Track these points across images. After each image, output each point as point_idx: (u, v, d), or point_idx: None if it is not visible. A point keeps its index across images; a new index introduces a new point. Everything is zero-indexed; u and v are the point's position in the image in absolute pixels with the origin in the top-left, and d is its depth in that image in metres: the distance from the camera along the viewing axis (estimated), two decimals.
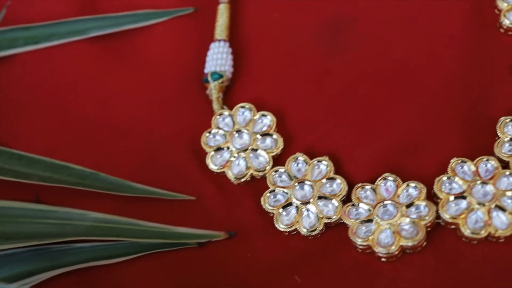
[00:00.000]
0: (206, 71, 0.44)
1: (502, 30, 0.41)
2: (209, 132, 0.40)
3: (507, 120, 0.36)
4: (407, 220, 0.34)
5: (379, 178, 0.37)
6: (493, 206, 0.34)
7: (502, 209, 0.34)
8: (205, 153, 0.40)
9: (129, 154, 0.43)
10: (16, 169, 0.41)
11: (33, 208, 0.39)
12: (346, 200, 0.37)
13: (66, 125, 0.44)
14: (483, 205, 0.33)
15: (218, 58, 0.44)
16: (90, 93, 0.45)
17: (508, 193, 0.34)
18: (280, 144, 0.39)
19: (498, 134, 0.36)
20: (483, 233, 0.34)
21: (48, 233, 0.38)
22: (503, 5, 0.41)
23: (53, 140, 0.43)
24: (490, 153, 0.37)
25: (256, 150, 0.39)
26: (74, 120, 0.44)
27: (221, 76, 0.43)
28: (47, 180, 0.40)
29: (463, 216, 0.34)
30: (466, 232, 0.33)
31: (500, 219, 0.33)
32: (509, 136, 0.36)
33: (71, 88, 0.45)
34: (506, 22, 0.40)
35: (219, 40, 0.45)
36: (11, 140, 0.43)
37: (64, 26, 0.47)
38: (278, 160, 0.40)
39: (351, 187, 0.38)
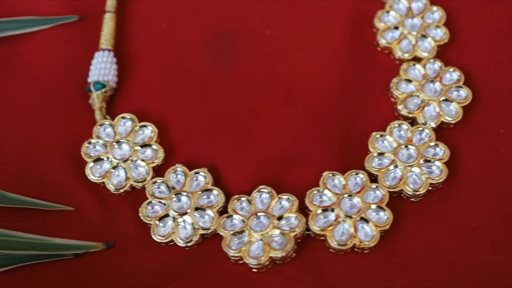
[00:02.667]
0: (89, 80, 0.44)
1: (379, 49, 0.43)
2: (89, 142, 0.40)
3: (378, 136, 0.38)
4: (278, 231, 0.35)
5: (255, 190, 0.38)
6: (359, 218, 0.35)
7: (367, 221, 0.35)
8: (85, 163, 0.40)
9: (6, 163, 0.42)
10: None
11: None
12: (224, 211, 0.37)
13: None
14: (350, 217, 0.35)
15: (102, 67, 0.44)
16: None
17: (373, 206, 0.35)
18: (161, 155, 0.40)
19: (370, 149, 0.38)
20: (349, 245, 0.35)
21: None
22: (380, 25, 0.43)
23: None
24: (362, 167, 0.38)
25: (136, 160, 0.39)
26: None
27: (104, 86, 0.43)
28: None
29: (330, 228, 0.35)
30: (333, 243, 0.35)
31: (365, 231, 0.36)
32: (379, 151, 0.38)
33: None
34: (382, 41, 0.43)
35: (104, 50, 0.45)
36: None
37: None
38: (159, 171, 0.40)
39: (229, 198, 0.38)
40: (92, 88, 0.44)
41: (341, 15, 0.46)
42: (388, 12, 0.45)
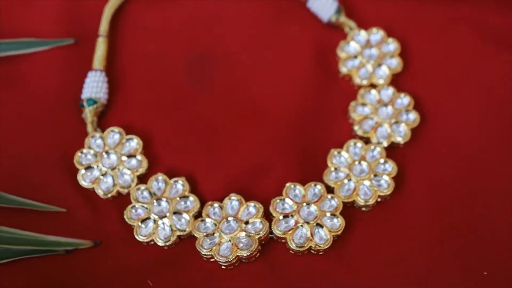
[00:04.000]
0: (82, 97, 0.46)
1: (340, 75, 0.47)
2: (81, 152, 0.43)
3: (335, 152, 0.43)
4: (244, 234, 0.39)
5: (226, 198, 0.41)
6: (315, 224, 0.40)
7: (322, 226, 0.39)
8: (77, 170, 0.43)
9: (5, 168, 0.44)
10: None
11: None
12: (199, 215, 0.41)
13: None
14: (308, 223, 0.39)
15: (94, 86, 0.46)
16: None
17: (328, 214, 0.40)
18: (145, 165, 0.43)
19: (328, 164, 0.42)
20: (306, 247, 0.39)
21: None
22: (342, 54, 0.47)
23: None
24: (320, 179, 0.42)
25: (122, 169, 0.42)
26: None
27: (95, 102, 0.45)
28: None
29: (290, 232, 0.39)
30: (292, 245, 0.39)
31: (320, 235, 0.40)
32: (336, 166, 0.42)
33: None
34: (343, 69, 0.47)
35: (96, 70, 0.47)
36: None
37: None
38: (143, 179, 0.43)
39: (204, 204, 0.42)
40: (85, 104, 0.46)
41: (308, 44, 0.49)
42: (349, 43, 0.48)
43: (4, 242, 0.40)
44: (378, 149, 0.43)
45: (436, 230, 0.41)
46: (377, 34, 0.48)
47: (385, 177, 0.41)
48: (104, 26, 0.49)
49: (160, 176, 0.42)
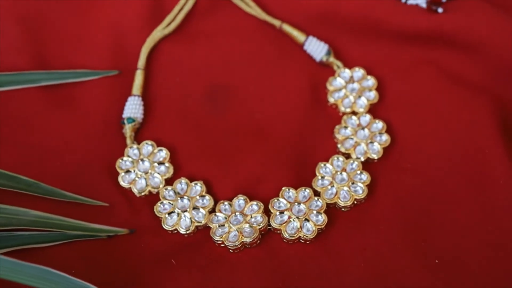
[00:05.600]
0: (123, 116, 0.51)
1: (329, 104, 0.53)
2: (122, 159, 0.49)
3: (322, 165, 0.49)
4: (248, 225, 0.46)
5: (234, 198, 0.47)
6: (304, 219, 0.46)
7: (309, 221, 0.46)
8: (118, 174, 0.49)
9: (63, 171, 0.49)
10: None
11: None
12: (213, 211, 0.47)
13: (19, 147, 0.50)
14: (298, 218, 0.46)
15: (133, 108, 0.51)
16: (39, 127, 0.51)
17: (314, 212, 0.46)
18: (171, 171, 0.49)
19: (316, 173, 0.49)
20: (296, 236, 0.45)
21: None
22: (330, 88, 0.53)
23: (11, 160, 0.49)
24: (310, 185, 0.48)
25: (153, 173, 0.49)
26: (23, 143, 0.50)
27: (133, 121, 0.51)
28: (2, 186, 0.45)
29: (284, 224, 0.46)
30: (286, 235, 0.46)
31: (307, 227, 0.46)
32: (322, 175, 0.48)
33: (25, 123, 0.52)
34: (331, 99, 0.53)
35: (134, 95, 0.52)
36: None
37: (22, 76, 0.52)
38: (169, 182, 0.49)
39: (217, 202, 0.48)
40: (125, 122, 0.51)
41: (304, 79, 0.54)
42: (336, 78, 0.53)
43: (60, 228, 0.45)
44: (356, 163, 0.49)
45: (398, 226, 0.46)
46: (358, 72, 0.54)
47: (361, 185, 0.47)
48: (141, 61, 0.54)
49: (183, 180, 0.48)
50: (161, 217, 0.47)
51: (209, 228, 0.47)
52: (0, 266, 0.38)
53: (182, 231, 0.47)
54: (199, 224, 0.47)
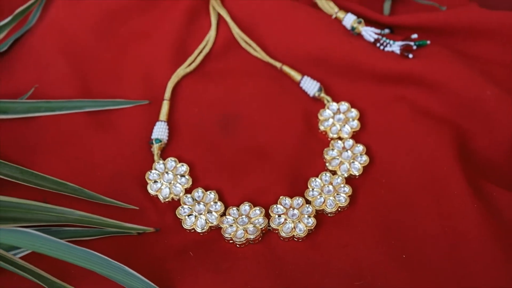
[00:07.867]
0: (152, 137, 0.57)
1: (320, 131, 0.59)
2: (150, 172, 0.55)
3: (313, 179, 0.55)
4: (252, 226, 0.53)
5: (241, 204, 0.54)
6: (297, 221, 0.53)
7: (301, 223, 0.53)
8: (147, 184, 0.55)
9: (102, 179, 0.55)
10: (32, 180, 0.51)
11: (41, 205, 0.49)
12: (223, 214, 0.53)
13: (68, 160, 0.56)
14: (292, 220, 0.54)
15: (160, 131, 0.57)
16: (84, 145, 0.57)
17: (306, 216, 0.54)
18: (190, 182, 0.55)
19: (308, 186, 0.55)
20: (291, 235, 0.52)
21: (49, 220, 0.48)
22: (321, 117, 0.59)
23: (61, 170, 0.55)
24: (302, 195, 0.54)
25: (176, 184, 0.55)
26: (71, 157, 0.56)
27: (160, 141, 0.56)
28: (52, 190, 0.51)
29: (281, 225, 0.53)
30: (282, 234, 0.52)
31: (299, 228, 0.52)
32: (313, 187, 0.56)
33: (72, 140, 0.57)
34: (321, 127, 0.59)
35: (161, 121, 0.58)
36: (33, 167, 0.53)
37: (71, 103, 0.58)
38: (189, 190, 0.55)
39: (227, 207, 0.53)
40: (153, 142, 0.56)
41: (299, 110, 0.59)
42: (326, 110, 0.59)
43: (100, 225, 0.51)
44: (340, 178, 0.55)
45: (373, 228, 0.52)
46: (344, 105, 0.59)
47: (344, 195, 0.54)
48: (167, 93, 0.59)
49: (200, 189, 0.54)
50: (181, 219, 0.53)
51: (220, 228, 0.53)
52: (57, 248, 0.45)
53: (199, 230, 0.52)
54: (212, 225, 0.53)
